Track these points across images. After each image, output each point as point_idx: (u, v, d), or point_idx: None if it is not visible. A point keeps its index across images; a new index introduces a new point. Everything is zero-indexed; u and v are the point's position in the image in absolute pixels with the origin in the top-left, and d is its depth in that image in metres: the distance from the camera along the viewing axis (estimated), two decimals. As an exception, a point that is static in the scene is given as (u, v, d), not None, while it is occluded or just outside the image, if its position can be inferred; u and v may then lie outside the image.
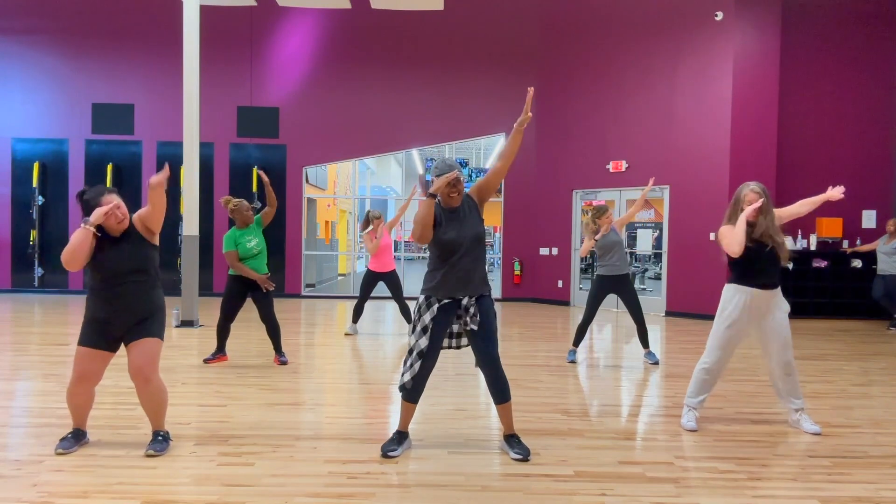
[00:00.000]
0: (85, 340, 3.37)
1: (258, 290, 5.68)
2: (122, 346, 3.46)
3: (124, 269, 3.34)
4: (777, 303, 3.92)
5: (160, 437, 3.47)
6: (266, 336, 6.03)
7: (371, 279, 7.45)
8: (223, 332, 5.86)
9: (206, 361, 5.84)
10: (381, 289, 7.65)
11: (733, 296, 3.93)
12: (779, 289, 3.95)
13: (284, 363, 5.85)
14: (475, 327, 3.41)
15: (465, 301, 3.41)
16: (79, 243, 3.20)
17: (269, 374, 5.42)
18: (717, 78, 9.59)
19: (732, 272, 3.98)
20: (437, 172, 3.40)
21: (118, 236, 3.38)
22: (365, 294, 7.50)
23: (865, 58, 10.20)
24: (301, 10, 11.94)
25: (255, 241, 5.68)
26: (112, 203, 3.27)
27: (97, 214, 3.22)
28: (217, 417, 4.12)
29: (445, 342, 3.53)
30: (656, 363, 6.10)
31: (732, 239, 3.79)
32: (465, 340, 3.56)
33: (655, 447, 3.70)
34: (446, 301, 3.42)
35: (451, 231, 3.39)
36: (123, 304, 3.34)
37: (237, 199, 5.78)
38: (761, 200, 3.77)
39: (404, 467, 3.31)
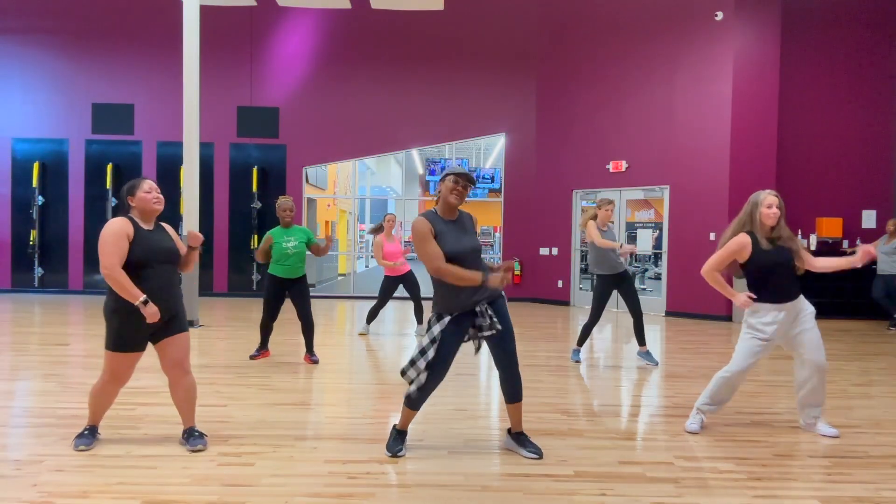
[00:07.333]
0: (121, 345, 3.31)
1: (295, 288, 5.74)
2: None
3: (160, 258, 3.37)
4: (803, 306, 3.86)
5: (197, 433, 3.52)
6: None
7: (390, 285, 7.42)
8: (265, 330, 5.94)
9: (251, 358, 5.97)
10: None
11: (766, 314, 3.79)
12: (801, 295, 3.88)
13: (315, 362, 5.91)
14: (496, 329, 3.35)
15: (478, 308, 3.34)
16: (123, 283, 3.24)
17: (269, 374, 5.42)
18: (717, 78, 9.58)
19: (758, 292, 3.82)
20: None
21: (152, 228, 3.43)
22: (384, 300, 7.46)
23: (865, 57, 10.21)
24: (301, 10, 11.94)
25: (293, 243, 5.69)
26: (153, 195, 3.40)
27: (149, 313, 3.24)
28: (217, 417, 4.12)
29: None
30: (656, 364, 6.03)
31: (714, 274, 3.90)
32: (478, 342, 3.48)
33: (655, 447, 3.70)
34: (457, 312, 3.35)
35: (452, 243, 3.32)
36: (162, 297, 3.34)
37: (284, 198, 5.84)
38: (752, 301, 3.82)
39: (404, 467, 3.31)
